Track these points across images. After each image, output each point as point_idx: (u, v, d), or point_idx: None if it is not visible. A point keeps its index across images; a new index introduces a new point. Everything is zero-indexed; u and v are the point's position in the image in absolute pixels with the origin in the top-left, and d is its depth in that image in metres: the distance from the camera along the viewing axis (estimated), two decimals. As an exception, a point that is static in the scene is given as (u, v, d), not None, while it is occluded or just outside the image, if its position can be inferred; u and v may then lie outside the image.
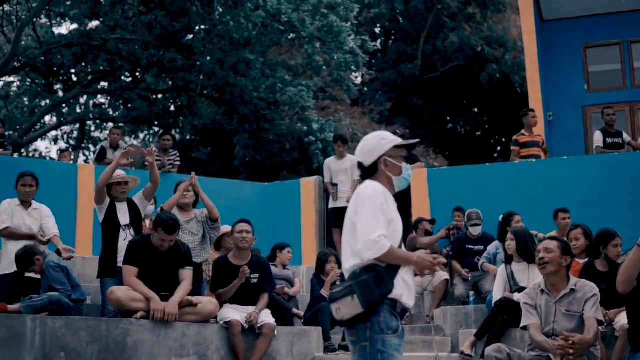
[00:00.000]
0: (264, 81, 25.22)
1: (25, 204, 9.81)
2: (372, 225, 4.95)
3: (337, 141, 15.19)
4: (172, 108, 33.97)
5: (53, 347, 7.77)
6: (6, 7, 29.47)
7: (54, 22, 31.44)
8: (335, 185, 14.72)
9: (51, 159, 34.09)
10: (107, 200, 9.61)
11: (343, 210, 12.02)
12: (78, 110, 35.42)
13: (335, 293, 4.96)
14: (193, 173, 10.28)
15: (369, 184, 5.18)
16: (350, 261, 5.07)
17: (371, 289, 4.86)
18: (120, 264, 8.99)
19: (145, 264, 8.49)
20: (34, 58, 28.87)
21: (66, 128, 37.73)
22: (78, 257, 13.25)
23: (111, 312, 8.76)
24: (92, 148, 37.96)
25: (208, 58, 27.16)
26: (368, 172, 5.28)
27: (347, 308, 4.86)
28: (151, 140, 38.43)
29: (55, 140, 39.47)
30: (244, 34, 24.76)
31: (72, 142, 38.18)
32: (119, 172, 9.69)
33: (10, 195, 10.11)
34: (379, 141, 5.29)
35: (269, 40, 25.83)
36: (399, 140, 5.29)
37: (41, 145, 38.28)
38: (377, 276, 4.89)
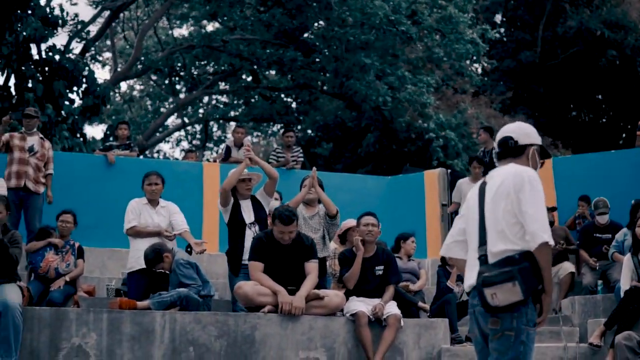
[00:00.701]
0: (378, 86, 25.07)
1: (153, 202, 9.96)
2: (542, 211, 4.85)
3: (472, 162, 14.35)
4: (294, 105, 34.21)
5: (182, 341, 7.95)
6: (126, 13, 30.13)
7: (173, 24, 32.04)
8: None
9: (175, 159, 34.75)
10: (232, 200, 9.69)
11: None
12: (200, 111, 36.05)
13: (491, 277, 4.78)
14: (314, 168, 10.27)
15: (525, 168, 5.04)
16: (498, 245, 4.90)
17: (532, 278, 4.74)
18: (245, 262, 9.08)
19: (271, 259, 8.53)
20: (157, 61, 29.47)
21: (189, 129, 38.42)
22: (205, 254, 13.45)
23: (242, 308, 8.84)
24: (214, 148, 38.58)
25: (326, 52, 27.24)
26: (512, 151, 5.16)
27: (506, 294, 4.72)
28: (272, 138, 38.83)
29: (178, 141, 40.29)
30: (361, 37, 24.75)
31: (195, 142, 38.86)
32: (246, 170, 9.75)
33: (139, 195, 10.32)
34: (535, 132, 5.24)
35: (387, 43, 25.77)
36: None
37: (164, 147, 38.94)
38: (535, 265, 4.76)
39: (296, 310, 8.22)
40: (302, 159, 15.91)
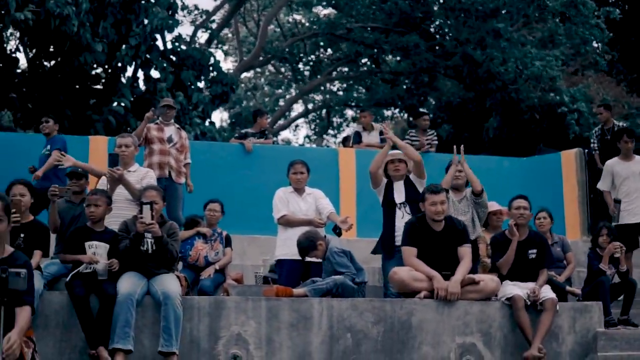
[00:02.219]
0: (513, 53, 24.63)
1: (299, 190, 9.97)
2: None
3: (621, 135, 11.95)
4: (413, 88, 33.96)
5: (339, 328, 7.94)
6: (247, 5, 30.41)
7: (295, 12, 32.19)
8: (619, 202, 11.48)
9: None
10: (384, 180, 9.65)
11: (634, 227, 11.42)
12: (319, 97, 36.17)
13: None
14: (462, 147, 10.03)
15: None
16: None
17: None
18: (397, 243, 9.06)
19: (424, 244, 8.48)
20: (280, 50, 29.64)
21: (311, 115, 38.60)
22: (344, 240, 13.44)
23: (393, 293, 8.77)
24: (331, 133, 38.70)
25: (449, 36, 27.00)
26: None
27: None
28: (394, 122, 38.68)
29: (295, 127, 40.51)
30: (489, 5, 24.38)
31: (317, 129, 39.05)
32: (392, 151, 9.67)
33: (275, 182, 10.35)
34: None
35: (514, 11, 25.32)
36: None
37: (284, 133, 39.34)
38: None
39: (452, 295, 8.14)
40: (436, 142, 15.71)
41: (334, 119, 39.31)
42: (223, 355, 7.72)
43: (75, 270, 7.78)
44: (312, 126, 39.41)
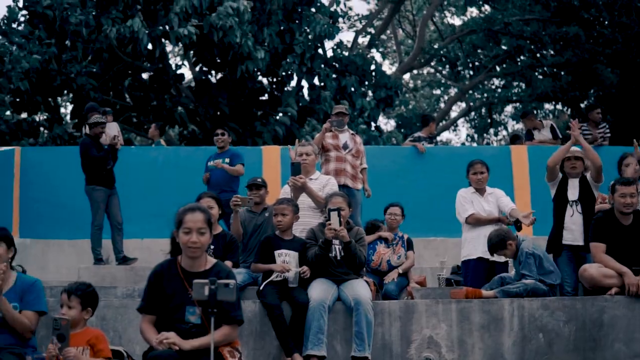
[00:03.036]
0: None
1: (480, 190, 9.96)
2: None
3: None
4: (574, 81, 33.25)
5: (531, 328, 7.91)
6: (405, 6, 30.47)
7: (449, 11, 32.08)
8: None
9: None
10: (560, 176, 9.53)
11: None
12: (477, 95, 35.83)
13: None
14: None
15: None
16: None
17: None
18: (565, 242, 9.15)
19: (612, 238, 8.35)
20: (439, 50, 29.58)
21: (472, 114, 38.31)
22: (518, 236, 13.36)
23: (569, 292, 8.75)
24: (492, 131, 38.30)
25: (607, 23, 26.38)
26: None
27: None
28: (555, 116, 37.98)
29: (455, 127, 40.23)
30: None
31: (478, 127, 38.71)
32: (573, 148, 9.55)
33: (448, 183, 10.35)
34: None
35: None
36: None
37: (445, 134, 39.24)
38: None
39: (644, 290, 7.99)
40: (609, 135, 15.41)
41: (495, 117, 38.90)
42: (416, 359, 7.77)
43: (268, 279, 7.98)
44: (473, 124, 39.06)
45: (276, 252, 8.13)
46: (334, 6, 22.50)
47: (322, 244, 7.94)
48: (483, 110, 36.52)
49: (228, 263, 8.13)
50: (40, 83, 19.55)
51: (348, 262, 8.01)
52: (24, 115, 21.11)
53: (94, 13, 18.93)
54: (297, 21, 19.73)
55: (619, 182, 8.45)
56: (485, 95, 35.06)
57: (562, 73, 30.66)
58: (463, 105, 36.63)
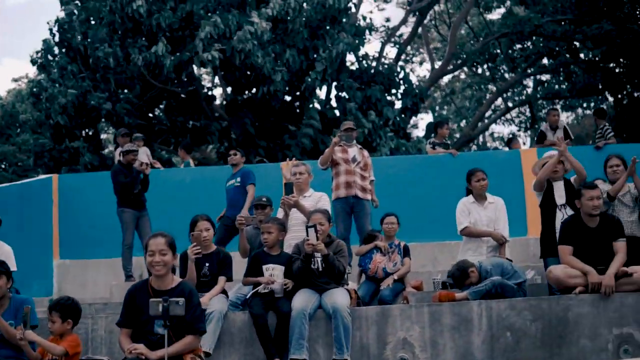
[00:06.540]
0: None
1: (480, 198, 10.50)
2: None
3: None
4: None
5: (499, 327, 8.47)
6: (436, 8, 30.81)
7: (483, 12, 32.37)
8: None
9: (495, 149, 35.07)
10: (545, 183, 10.10)
11: None
12: (521, 93, 36.02)
13: None
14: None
15: None
16: None
17: None
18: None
19: (580, 241, 8.84)
20: (472, 53, 29.91)
21: (514, 112, 38.51)
22: (530, 238, 13.86)
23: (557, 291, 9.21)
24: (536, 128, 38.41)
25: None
26: None
27: None
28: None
29: (488, 125, 40.34)
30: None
31: (520, 125, 38.89)
32: (551, 151, 10.08)
33: (458, 191, 11.01)
34: None
35: None
36: None
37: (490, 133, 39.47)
38: None
39: (607, 289, 8.43)
40: (611, 134, 15.80)
41: (538, 113, 39.06)
42: (391, 359, 8.43)
43: (254, 290, 8.74)
44: (516, 122, 39.28)
45: (264, 267, 8.87)
46: (361, 21, 23.03)
47: (303, 258, 8.65)
48: (523, 109, 36.71)
49: (221, 279, 8.92)
50: (77, 115, 20.46)
51: (329, 273, 8.68)
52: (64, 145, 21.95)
53: (119, 45, 19.75)
54: (321, 39, 20.28)
55: (585, 187, 8.96)
56: (525, 92, 35.26)
57: (601, 65, 30.79)
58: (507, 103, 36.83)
